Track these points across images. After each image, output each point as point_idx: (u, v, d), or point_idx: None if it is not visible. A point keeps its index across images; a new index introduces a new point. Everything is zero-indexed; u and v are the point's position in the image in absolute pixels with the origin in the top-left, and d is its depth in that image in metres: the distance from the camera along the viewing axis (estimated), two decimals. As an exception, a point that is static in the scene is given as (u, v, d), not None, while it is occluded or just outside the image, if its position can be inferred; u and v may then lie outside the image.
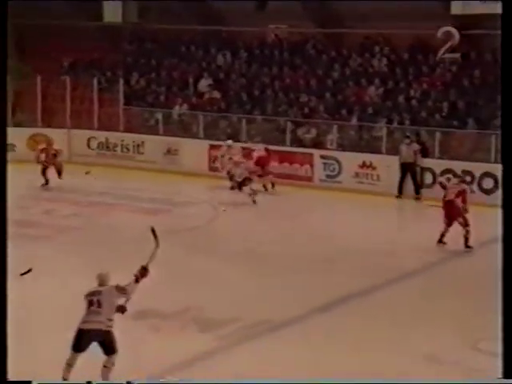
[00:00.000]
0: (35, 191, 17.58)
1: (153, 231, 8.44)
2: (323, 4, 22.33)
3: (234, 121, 20.88)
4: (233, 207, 16.44)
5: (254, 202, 16.73)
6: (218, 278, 11.83)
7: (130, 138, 21.32)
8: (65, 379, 7.87)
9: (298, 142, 19.92)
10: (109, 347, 7.87)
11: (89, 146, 21.62)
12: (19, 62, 23.49)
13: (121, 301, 8.05)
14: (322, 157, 19.20)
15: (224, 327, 9.78)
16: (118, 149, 21.40)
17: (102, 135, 21.63)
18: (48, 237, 14.04)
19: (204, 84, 22.38)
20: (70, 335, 7.87)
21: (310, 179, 19.16)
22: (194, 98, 22.15)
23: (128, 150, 21.28)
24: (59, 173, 18.07)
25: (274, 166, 19.04)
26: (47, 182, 17.99)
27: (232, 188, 17.39)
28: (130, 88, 22.70)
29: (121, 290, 8.03)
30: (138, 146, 21.15)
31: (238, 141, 19.66)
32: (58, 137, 21.10)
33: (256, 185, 17.43)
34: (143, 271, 8.15)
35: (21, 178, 17.71)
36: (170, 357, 8.70)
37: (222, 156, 18.70)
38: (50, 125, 21.69)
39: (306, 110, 20.60)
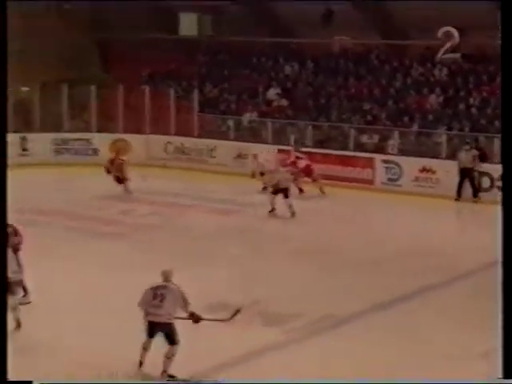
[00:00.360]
0: (115, 192, 17.70)
1: (237, 312, 8.46)
2: (386, 16, 22.09)
3: (300, 127, 20.83)
4: (298, 210, 16.33)
5: (293, 214, 15.60)
6: (284, 274, 11.81)
7: (203, 142, 21.48)
8: (141, 362, 8.12)
9: (360, 147, 19.75)
10: (171, 338, 7.97)
11: (166, 150, 21.88)
12: (103, 73, 23.96)
13: (179, 312, 8.08)
14: (384, 161, 18.99)
15: (289, 322, 9.76)
16: (193, 153, 21.60)
17: (177, 140, 21.84)
18: (124, 234, 14.24)
19: (273, 93, 22.43)
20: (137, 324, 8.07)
21: (371, 182, 18.97)
22: (263, 106, 22.21)
23: (201, 154, 21.46)
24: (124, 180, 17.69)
25: (336, 169, 18.99)
26: (124, 185, 17.76)
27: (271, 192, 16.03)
28: (204, 96, 22.89)
29: (185, 305, 8.05)
30: (211, 150, 21.29)
31: (305, 146, 19.66)
32: (138, 142, 21.52)
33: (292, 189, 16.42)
34: (198, 320, 8.13)
35: (102, 180, 18.09)
36: (237, 349, 8.73)
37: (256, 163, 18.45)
38: (130, 131, 22.01)
39: (369, 117, 20.43)
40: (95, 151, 21.59)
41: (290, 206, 15.62)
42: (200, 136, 21.80)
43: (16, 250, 10.33)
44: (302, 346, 9.04)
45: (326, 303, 10.36)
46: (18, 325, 9.18)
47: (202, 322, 8.22)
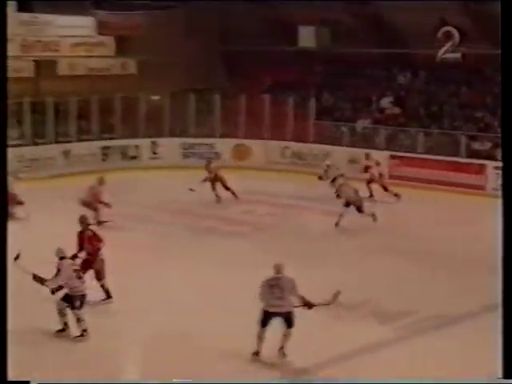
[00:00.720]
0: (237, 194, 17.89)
1: (337, 294, 8.65)
2: (498, 26, 21.40)
3: (412, 134, 20.54)
4: (399, 212, 16.25)
5: (375, 219, 14.83)
6: (392, 274, 11.74)
7: (318, 148, 21.54)
8: (258, 351, 8.32)
9: (472, 154, 19.26)
10: (289, 323, 8.28)
11: (283, 154, 22.09)
12: (227, 83, 24.44)
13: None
14: (496, 168, 18.47)
15: (398, 320, 9.68)
16: (308, 157, 21.69)
17: (294, 145, 22.00)
18: (245, 234, 14.50)
19: (386, 101, 22.26)
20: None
21: (482, 188, 18.49)
22: (377, 114, 22.06)
23: (317, 158, 21.50)
24: (226, 188, 17.32)
25: (448, 175, 18.65)
26: (218, 197, 17.33)
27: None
28: (321, 105, 22.95)
29: (297, 293, 8.24)
30: (325, 155, 21.31)
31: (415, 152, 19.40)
32: (257, 147, 21.85)
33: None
34: (311, 305, 8.35)
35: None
36: (348, 344, 8.75)
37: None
38: (250, 136, 22.35)
39: (481, 124, 19.90)
40: (217, 155, 22.05)
41: (373, 214, 14.81)
42: (315, 142, 21.88)
43: (95, 257, 9.89)
44: (410, 344, 8.95)
45: (434, 303, 10.22)
46: (82, 334, 8.82)
47: (314, 321, 8.41)
